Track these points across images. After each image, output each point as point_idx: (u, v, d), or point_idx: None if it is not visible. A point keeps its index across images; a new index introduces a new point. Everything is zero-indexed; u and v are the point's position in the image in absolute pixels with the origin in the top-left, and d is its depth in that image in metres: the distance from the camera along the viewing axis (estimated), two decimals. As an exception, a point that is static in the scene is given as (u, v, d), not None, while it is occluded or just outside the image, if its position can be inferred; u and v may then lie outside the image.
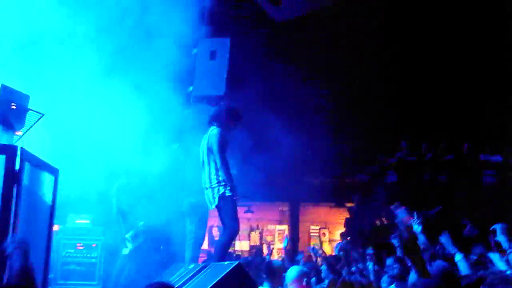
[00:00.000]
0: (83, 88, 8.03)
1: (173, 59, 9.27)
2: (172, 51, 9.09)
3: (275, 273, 5.65)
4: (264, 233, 19.02)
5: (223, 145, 6.45)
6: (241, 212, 18.79)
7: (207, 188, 6.53)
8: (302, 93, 15.03)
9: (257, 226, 19.29)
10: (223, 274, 5.03)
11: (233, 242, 16.11)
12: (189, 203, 7.87)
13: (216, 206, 6.43)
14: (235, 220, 6.40)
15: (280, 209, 19.26)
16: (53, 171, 5.76)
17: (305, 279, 5.28)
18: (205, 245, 18.12)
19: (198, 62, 10.02)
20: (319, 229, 19.04)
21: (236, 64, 10.46)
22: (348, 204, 16.13)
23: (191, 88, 10.08)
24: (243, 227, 18.87)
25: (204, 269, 6.01)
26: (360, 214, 14.84)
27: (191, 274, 6.07)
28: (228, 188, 6.36)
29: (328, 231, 18.94)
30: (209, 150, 6.53)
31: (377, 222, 13.53)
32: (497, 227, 3.84)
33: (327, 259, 8.94)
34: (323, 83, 15.86)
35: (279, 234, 18.84)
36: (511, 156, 13.76)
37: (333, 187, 16.55)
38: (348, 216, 15.93)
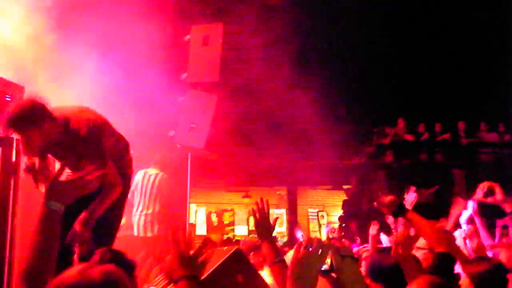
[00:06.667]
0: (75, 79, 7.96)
1: (165, 47, 9.23)
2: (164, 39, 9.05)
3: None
4: (263, 218, 19.02)
5: None
6: (238, 197, 18.92)
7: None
8: (295, 77, 15.02)
9: (255, 211, 19.30)
10: (222, 260, 5.02)
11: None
12: None
13: None
14: None
15: (277, 193, 19.30)
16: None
17: None
18: (203, 231, 18.28)
19: (191, 48, 9.96)
20: (317, 212, 19.11)
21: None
22: (346, 186, 16.18)
23: (184, 75, 10.03)
24: (242, 211, 18.96)
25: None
26: (358, 196, 14.90)
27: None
28: None
29: (326, 213, 19.00)
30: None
31: (375, 204, 13.58)
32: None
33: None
34: (317, 66, 15.84)
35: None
36: (506, 134, 13.81)
37: (330, 170, 16.59)
38: (345, 198, 16.01)
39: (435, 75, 14.82)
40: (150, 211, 7.84)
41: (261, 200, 3.48)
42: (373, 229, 6.46)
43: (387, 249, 4.33)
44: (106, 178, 3.92)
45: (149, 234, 7.72)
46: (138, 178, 8.15)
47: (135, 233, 7.94)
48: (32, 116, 3.78)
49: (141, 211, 7.85)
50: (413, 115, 14.39)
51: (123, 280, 1.80)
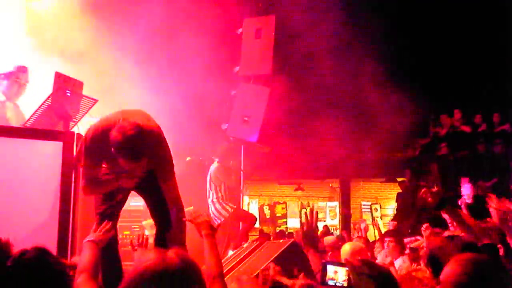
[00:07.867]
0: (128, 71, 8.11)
1: (218, 40, 9.28)
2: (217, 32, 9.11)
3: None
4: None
5: None
6: (291, 190, 18.91)
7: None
8: (347, 70, 14.84)
9: (308, 203, 19.24)
10: (279, 252, 5.05)
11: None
12: None
13: None
14: None
15: (330, 185, 19.19)
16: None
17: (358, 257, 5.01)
18: (257, 224, 18.34)
19: (244, 41, 9.99)
20: (371, 205, 18.90)
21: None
22: (399, 179, 15.93)
23: (237, 68, 10.07)
24: (294, 204, 18.94)
25: (259, 248, 6.05)
26: (412, 189, 14.64)
27: (246, 252, 6.13)
28: None
29: (379, 206, 18.78)
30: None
31: (421, 193, 13.31)
32: None
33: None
34: (369, 55, 15.62)
35: (330, 211, 18.80)
36: None
37: (384, 162, 16.35)
38: (399, 191, 15.76)
39: (493, 64, 14.38)
40: (209, 199, 8.39)
41: (311, 212, 3.90)
42: (425, 232, 6.38)
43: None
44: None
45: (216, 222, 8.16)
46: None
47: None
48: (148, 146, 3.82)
49: (210, 201, 8.42)
50: (469, 106, 14.00)
51: (195, 262, 1.87)
